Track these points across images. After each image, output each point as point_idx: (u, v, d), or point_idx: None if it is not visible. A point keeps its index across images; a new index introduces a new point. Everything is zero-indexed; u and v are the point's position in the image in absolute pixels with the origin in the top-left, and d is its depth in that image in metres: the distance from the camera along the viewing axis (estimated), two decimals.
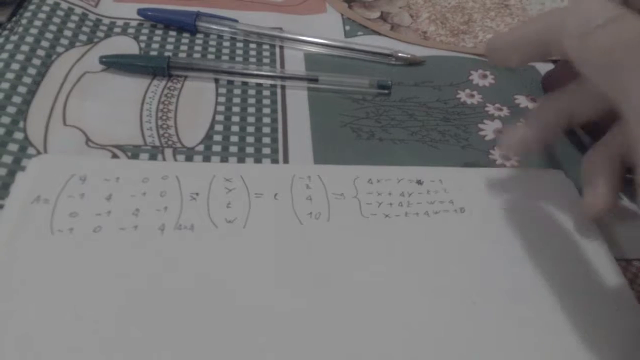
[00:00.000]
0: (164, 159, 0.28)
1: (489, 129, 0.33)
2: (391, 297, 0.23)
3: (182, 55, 0.35)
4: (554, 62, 0.38)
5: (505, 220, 0.27)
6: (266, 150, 0.29)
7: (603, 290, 0.24)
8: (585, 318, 0.23)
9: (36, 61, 0.31)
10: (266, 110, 0.32)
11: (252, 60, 0.36)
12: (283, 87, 0.34)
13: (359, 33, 0.39)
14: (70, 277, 0.21)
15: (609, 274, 0.25)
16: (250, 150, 0.29)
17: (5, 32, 0.33)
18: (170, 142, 0.29)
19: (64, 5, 0.35)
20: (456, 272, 0.24)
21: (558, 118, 0.26)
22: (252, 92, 0.33)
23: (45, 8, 0.34)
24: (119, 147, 0.28)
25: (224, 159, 0.28)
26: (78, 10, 0.36)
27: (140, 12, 0.37)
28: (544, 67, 0.38)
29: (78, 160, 0.26)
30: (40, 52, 0.32)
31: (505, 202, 0.28)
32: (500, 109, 0.34)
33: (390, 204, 0.27)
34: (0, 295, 0.21)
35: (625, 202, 0.29)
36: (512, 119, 0.33)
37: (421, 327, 0.22)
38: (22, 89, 0.30)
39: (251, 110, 0.32)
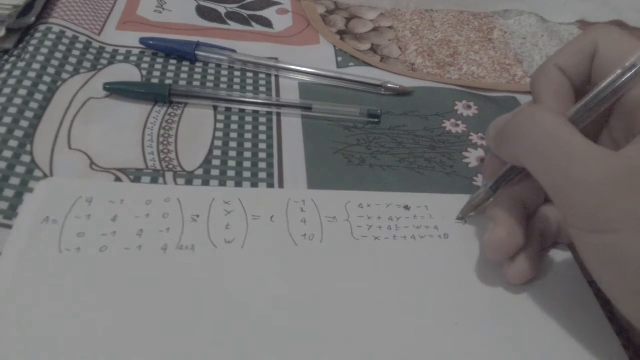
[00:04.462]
0: (165, 182, 0.29)
1: (472, 157, 0.35)
2: (378, 316, 0.24)
3: (182, 82, 0.37)
4: None
5: None
6: (262, 175, 0.31)
7: (577, 311, 0.26)
8: (563, 339, 0.25)
9: (42, 87, 0.33)
10: (262, 137, 0.33)
11: (249, 88, 0.37)
12: (279, 115, 0.35)
13: (351, 64, 0.41)
14: (77, 295, 0.23)
15: (583, 296, 0.26)
16: (247, 174, 0.31)
17: (13, 59, 0.35)
18: (171, 166, 0.30)
19: (69, 33, 0.37)
20: (440, 295, 0.26)
21: (517, 208, 0.26)
22: (249, 119, 0.35)
23: (51, 36, 0.36)
24: (122, 170, 0.29)
25: (222, 183, 0.30)
26: (82, 39, 0.37)
27: (142, 41, 0.38)
28: (525, 98, 0.40)
29: (84, 183, 0.27)
30: (47, 79, 0.33)
31: (486, 230, 0.29)
32: (484, 138, 0.36)
33: (380, 227, 0.28)
34: (10, 312, 0.22)
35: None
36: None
37: (406, 346, 0.23)
38: (29, 114, 0.31)
39: (248, 136, 0.33)
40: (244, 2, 0.47)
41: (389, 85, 0.39)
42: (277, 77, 0.39)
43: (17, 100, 0.31)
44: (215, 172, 0.30)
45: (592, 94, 0.23)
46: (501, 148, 0.26)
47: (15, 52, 0.35)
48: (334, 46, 0.43)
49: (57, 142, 0.30)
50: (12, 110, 0.31)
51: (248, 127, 0.34)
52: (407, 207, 0.30)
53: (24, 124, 0.30)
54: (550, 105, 0.25)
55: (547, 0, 0.52)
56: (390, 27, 0.47)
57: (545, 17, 0.50)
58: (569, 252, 0.28)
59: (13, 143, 0.29)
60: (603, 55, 0.25)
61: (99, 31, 0.39)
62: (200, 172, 0.30)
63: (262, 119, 0.35)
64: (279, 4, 0.47)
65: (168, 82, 0.36)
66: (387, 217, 0.29)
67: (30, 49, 0.35)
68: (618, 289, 0.21)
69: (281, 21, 0.45)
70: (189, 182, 0.30)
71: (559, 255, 0.28)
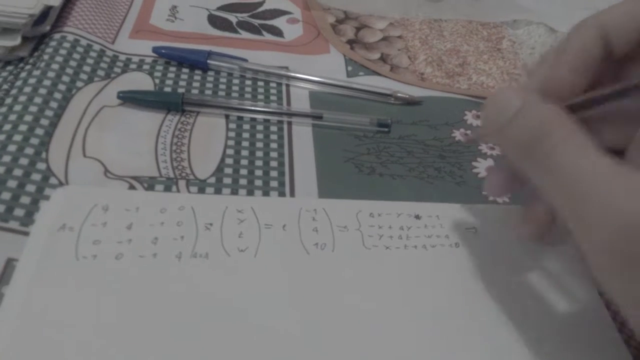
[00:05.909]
0: (177, 190, 0.30)
1: (482, 166, 0.35)
2: (389, 325, 0.25)
3: (194, 91, 0.37)
4: None
5: (496, 256, 0.28)
6: (274, 183, 0.31)
7: (586, 320, 0.26)
8: (569, 347, 0.25)
9: (57, 95, 0.33)
10: (273, 145, 0.34)
11: (260, 97, 0.38)
12: (289, 123, 0.36)
13: (361, 73, 0.42)
14: (93, 302, 0.23)
15: (593, 306, 0.27)
16: (258, 183, 0.31)
17: (28, 67, 0.35)
18: (183, 174, 0.31)
19: (84, 42, 0.37)
20: (451, 304, 0.26)
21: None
22: (260, 127, 0.35)
23: (66, 44, 0.37)
24: (136, 178, 0.30)
25: (234, 191, 0.30)
26: (96, 47, 0.38)
27: (154, 49, 0.39)
28: None
29: (100, 191, 0.28)
30: (61, 87, 0.34)
31: (497, 239, 0.29)
32: (493, 148, 0.36)
33: (391, 236, 0.29)
34: (27, 319, 0.22)
35: None
36: (503, 158, 0.36)
37: (416, 355, 0.24)
38: (44, 122, 0.31)
39: (259, 145, 0.34)
40: (254, 12, 0.47)
41: (399, 94, 0.39)
42: (287, 86, 0.39)
43: (33, 108, 0.32)
44: (227, 180, 0.31)
45: (608, 90, 0.21)
46: (505, 149, 0.23)
47: (31, 60, 0.36)
48: (344, 55, 0.43)
49: (72, 150, 0.31)
50: (28, 118, 0.31)
51: (259, 135, 0.34)
52: (417, 217, 0.30)
53: (40, 131, 0.31)
54: (569, 61, 0.23)
55: (555, 11, 0.52)
56: (400, 37, 0.47)
57: (554, 27, 0.51)
58: (580, 265, 0.28)
59: (29, 151, 0.29)
60: None
61: (112, 40, 0.40)
62: (212, 180, 0.31)
63: (273, 128, 0.35)
64: (290, 13, 0.48)
65: (180, 90, 0.37)
66: (398, 226, 0.29)
67: (45, 57, 0.35)
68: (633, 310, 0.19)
69: (292, 30, 0.45)
70: (201, 190, 0.30)
71: (568, 268, 0.28)
